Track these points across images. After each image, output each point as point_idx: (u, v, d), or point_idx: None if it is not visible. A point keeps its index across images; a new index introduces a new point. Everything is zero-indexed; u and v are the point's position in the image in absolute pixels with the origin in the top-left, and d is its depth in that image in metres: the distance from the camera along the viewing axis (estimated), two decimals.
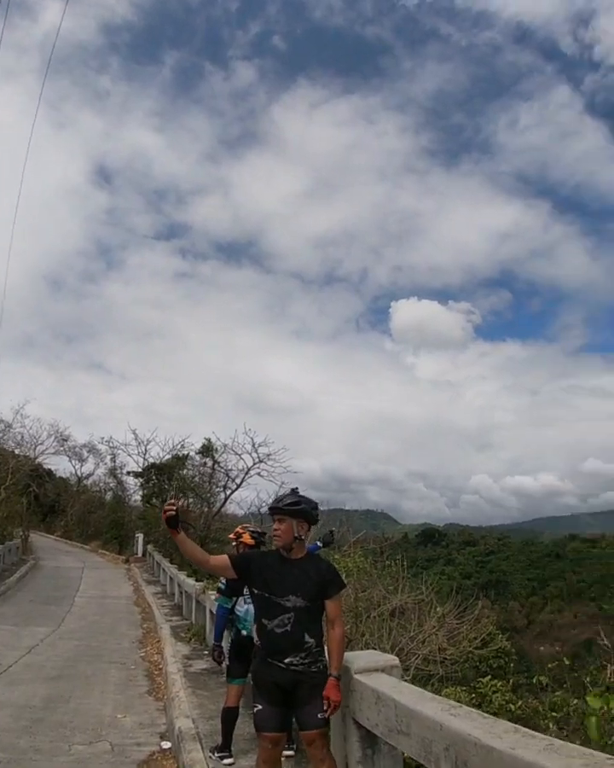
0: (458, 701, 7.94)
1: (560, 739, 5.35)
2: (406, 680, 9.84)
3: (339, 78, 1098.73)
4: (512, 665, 22.34)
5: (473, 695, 7.84)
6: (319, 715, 3.79)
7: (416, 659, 9.97)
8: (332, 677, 3.85)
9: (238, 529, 6.35)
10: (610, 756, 2.30)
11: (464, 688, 8.32)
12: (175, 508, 3.89)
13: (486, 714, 3.02)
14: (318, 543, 7.16)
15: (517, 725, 2.78)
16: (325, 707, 3.78)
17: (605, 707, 4.14)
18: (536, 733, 2.66)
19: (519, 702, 8.29)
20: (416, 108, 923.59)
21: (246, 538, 6.11)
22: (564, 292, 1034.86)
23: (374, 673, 3.98)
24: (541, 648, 71.13)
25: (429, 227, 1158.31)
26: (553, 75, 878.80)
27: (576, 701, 6.31)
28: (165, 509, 3.91)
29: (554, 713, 6.62)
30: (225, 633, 6.18)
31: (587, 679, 5.64)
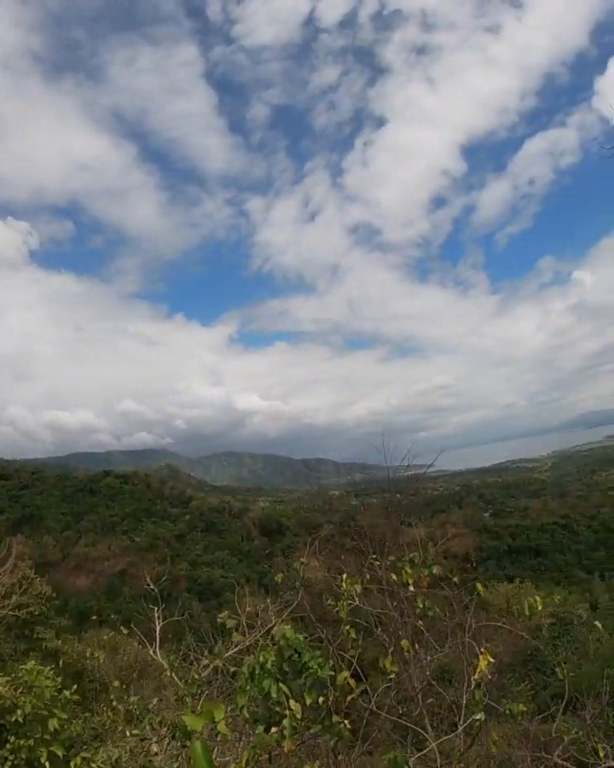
0: None
1: None
2: None
3: None
4: (52, 610, 20.37)
5: (19, 688, 5.51)
6: None
7: None
8: None
9: None
10: None
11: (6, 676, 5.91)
12: None
13: None
14: None
15: None
16: None
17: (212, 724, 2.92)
18: None
19: (74, 686, 6.31)
20: (38, 6, 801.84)
21: None
22: (128, 237, 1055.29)
23: None
24: (78, 580, 72.46)
25: (5, 134, 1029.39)
26: (187, 32, 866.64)
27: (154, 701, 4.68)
28: None
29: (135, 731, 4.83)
30: None
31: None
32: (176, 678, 7.22)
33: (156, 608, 8.32)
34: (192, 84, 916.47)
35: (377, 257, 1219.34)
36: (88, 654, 15.17)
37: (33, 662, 6.55)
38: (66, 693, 6.32)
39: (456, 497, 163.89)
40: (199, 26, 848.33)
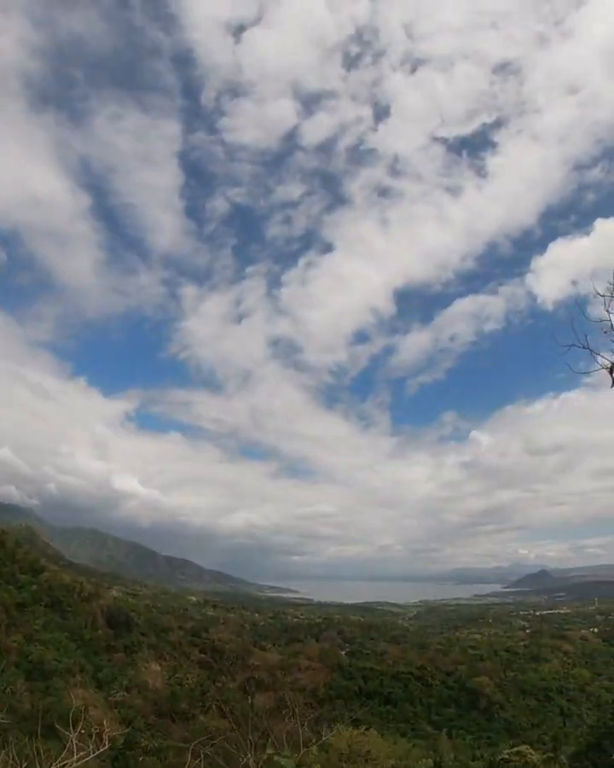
0: None
1: None
2: None
3: None
4: None
5: None
6: None
7: None
8: None
9: None
10: None
11: None
12: None
13: None
14: None
15: None
16: None
17: None
18: None
19: None
20: (48, 33, 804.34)
21: None
22: (55, 284, 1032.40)
23: None
24: None
25: None
26: (177, 109, 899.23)
27: None
28: None
29: None
30: None
31: None
32: None
33: None
34: (165, 159, 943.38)
35: (291, 374, 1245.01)
36: None
37: None
38: None
39: (316, 628, 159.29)
40: (189, 107, 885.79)
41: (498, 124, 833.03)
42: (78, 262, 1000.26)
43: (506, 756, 44.26)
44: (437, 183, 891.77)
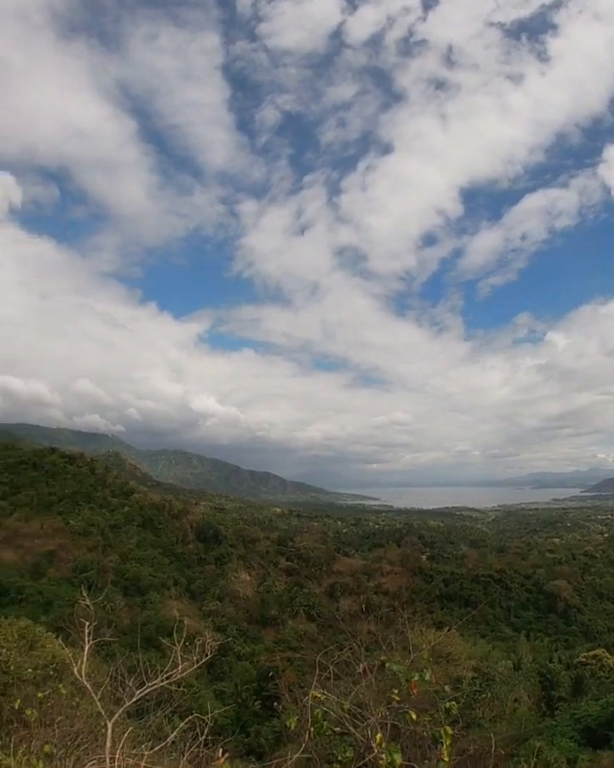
0: None
1: None
2: None
3: None
4: None
5: None
6: None
7: None
8: None
9: None
10: None
11: None
12: None
13: None
14: None
15: None
16: None
17: None
18: None
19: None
20: None
21: None
22: (111, 214, 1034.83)
23: None
24: (4, 554, 69.94)
25: (6, 85, 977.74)
26: (214, 20, 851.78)
27: None
28: None
29: None
30: None
31: None
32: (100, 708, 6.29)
33: (87, 624, 7.15)
34: (207, 73, 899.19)
35: (358, 282, 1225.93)
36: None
37: None
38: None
39: (396, 534, 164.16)
40: (226, 17, 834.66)
41: (557, 4, 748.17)
42: (131, 188, 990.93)
43: (583, 659, 45.24)
44: (496, 71, 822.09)
